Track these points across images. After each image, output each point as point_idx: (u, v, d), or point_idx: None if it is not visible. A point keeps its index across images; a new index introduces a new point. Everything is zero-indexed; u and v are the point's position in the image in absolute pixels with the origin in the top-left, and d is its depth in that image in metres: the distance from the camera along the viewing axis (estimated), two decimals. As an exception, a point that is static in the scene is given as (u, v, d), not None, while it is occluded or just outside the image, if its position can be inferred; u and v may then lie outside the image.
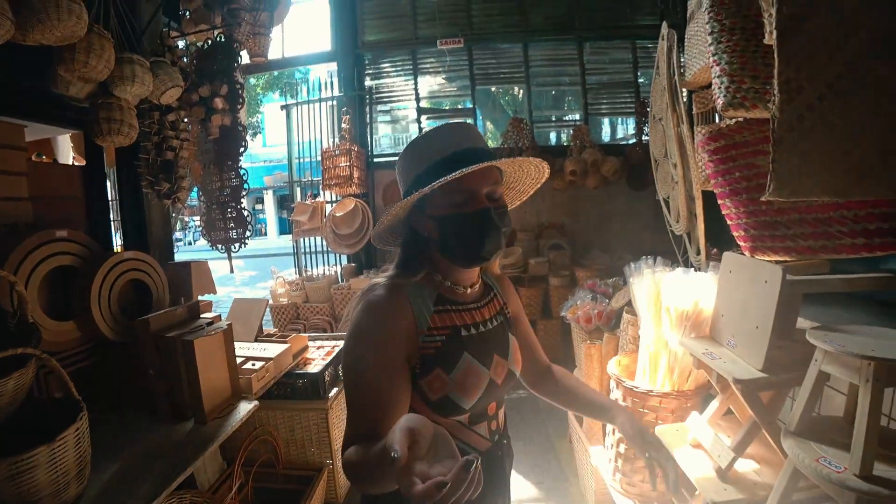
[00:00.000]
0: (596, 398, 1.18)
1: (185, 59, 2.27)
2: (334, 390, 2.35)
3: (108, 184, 2.39)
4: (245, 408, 1.82)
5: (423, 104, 4.59)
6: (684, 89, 1.80)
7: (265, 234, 20.84)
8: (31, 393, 1.29)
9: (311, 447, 2.38)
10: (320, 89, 4.49)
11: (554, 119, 5.09)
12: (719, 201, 1.33)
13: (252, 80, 10.78)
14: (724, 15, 1.28)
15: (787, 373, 1.16)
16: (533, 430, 3.09)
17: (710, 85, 1.44)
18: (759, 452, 1.36)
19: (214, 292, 2.24)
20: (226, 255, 2.39)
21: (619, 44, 4.39)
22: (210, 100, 2.20)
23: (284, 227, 19.23)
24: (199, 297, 2.21)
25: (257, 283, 10.09)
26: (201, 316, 1.96)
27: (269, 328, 3.43)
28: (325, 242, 4.33)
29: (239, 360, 2.04)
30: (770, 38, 1.02)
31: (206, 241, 2.48)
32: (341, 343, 2.59)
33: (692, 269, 1.64)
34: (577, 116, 4.65)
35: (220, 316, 2.04)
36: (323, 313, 4.05)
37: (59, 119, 1.93)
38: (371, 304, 0.86)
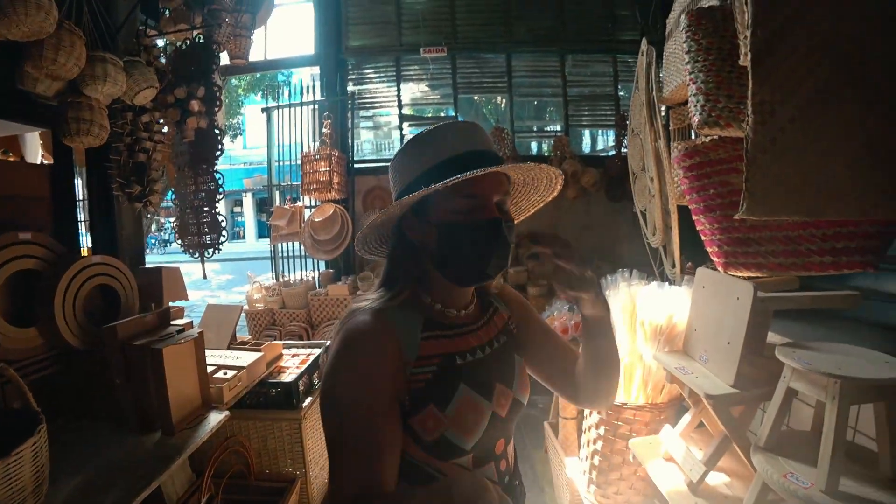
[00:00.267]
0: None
1: (163, 59, 2.22)
2: (308, 400, 2.30)
3: (79, 184, 2.32)
4: (215, 418, 1.77)
5: (406, 111, 4.58)
6: (662, 105, 1.84)
7: (243, 237, 20.51)
8: (-15, 404, 1.23)
9: (285, 458, 2.32)
10: (302, 93, 4.44)
11: (535, 129, 5.15)
12: (694, 217, 1.35)
13: (234, 81, 10.63)
14: (701, 35, 1.31)
15: (757, 388, 1.18)
16: (510, 440, 3.07)
17: (686, 102, 1.47)
18: (729, 466, 1.38)
19: (186, 299, 2.18)
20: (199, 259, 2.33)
21: (600, 57, 4.47)
22: (186, 101, 2.15)
23: (263, 231, 18.94)
24: (171, 304, 2.15)
25: (234, 287, 9.90)
26: (172, 323, 1.90)
27: (243, 335, 3.36)
28: (302, 248, 4.27)
29: (210, 369, 1.99)
30: (745, 59, 1.04)
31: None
32: (317, 351, 2.55)
33: (667, 282, 1.67)
34: (558, 127, 4.70)
35: (191, 323, 1.98)
36: (299, 320, 3.98)
37: (25, 116, 1.85)
38: (352, 335, 0.75)
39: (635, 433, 1.61)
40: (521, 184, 0.90)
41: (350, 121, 4.46)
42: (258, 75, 9.63)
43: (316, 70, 4.65)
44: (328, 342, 2.73)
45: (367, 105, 4.62)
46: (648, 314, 1.49)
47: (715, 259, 1.29)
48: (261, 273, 4.78)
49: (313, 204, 4.38)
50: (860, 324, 1.76)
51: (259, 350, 2.25)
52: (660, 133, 1.74)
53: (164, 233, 17.92)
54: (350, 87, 4.56)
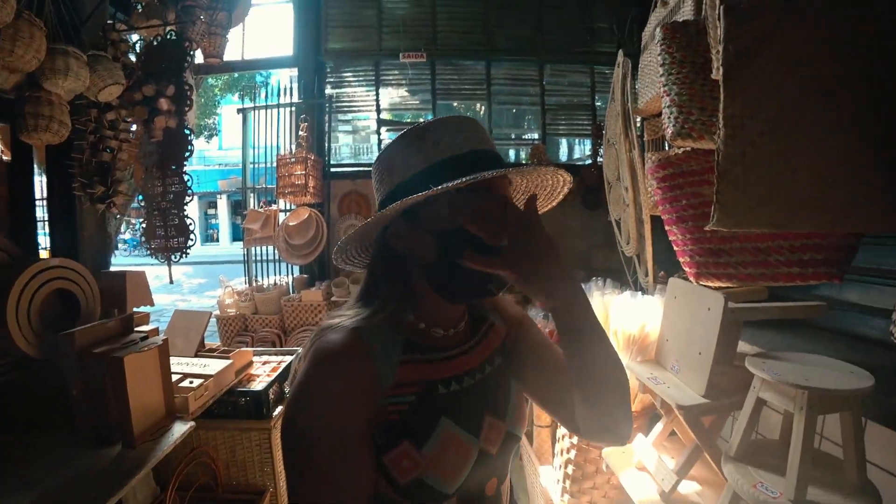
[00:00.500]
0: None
1: (132, 56, 2.14)
2: (279, 408, 2.24)
3: (40, 182, 2.21)
4: (180, 429, 1.70)
5: (384, 116, 4.55)
6: (637, 116, 1.86)
7: (217, 239, 20.06)
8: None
9: (254, 469, 2.25)
10: (279, 94, 4.37)
11: (513, 137, 5.17)
12: (666, 227, 1.37)
13: (210, 81, 10.41)
14: (675, 48, 1.33)
15: (727, 397, 1.19)
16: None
17: (661, 114, 1.49)
18: (701, 474, 1.40)
19: (151, 304, 2.10)
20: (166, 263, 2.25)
21: (578, 68, 4.54)
22: (155, 100, 2.08)
23: (238, 234, 18.57)
24: (136, 309, 2.07)
25: (206, 291, 9.66)
26: (136, 329, 1.83)
27: (213, 342, 3.27)
28: (276, 252, 4.19)
29: (176, 378, 1.91)
30: (717, 73, 1.06)
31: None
32: (289, 358, 2.49)
33: (641, 290, 1.68)
34: (536, 136, 4.75)
35: (157, 329, 1.91)
36: (272, 325, 3.89)
37: (-21, 110, 1.76)
38: (321, 356, 0.65)
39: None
40: (523, 191, 0.81)
41: (327, 124, 4.41)
42: (236, 75, 9.46)
43: (294, 72, 4.59)
44: (300, 349, 2.68)
45: (346, 109, 4.58)
46: (622, 323, 1.50)
47: (687, 269, 1.30)
48: (234, 277, 4.66)
49: (288, 207, 4.31)
50: (826, 332, 1.81)
51: (228, 357, 2.19)
52: (634, 144, 1.77)
53: (136, 234, 17.42)
54: (328, 90, 4.51)
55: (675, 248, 1.34)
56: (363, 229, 0.71)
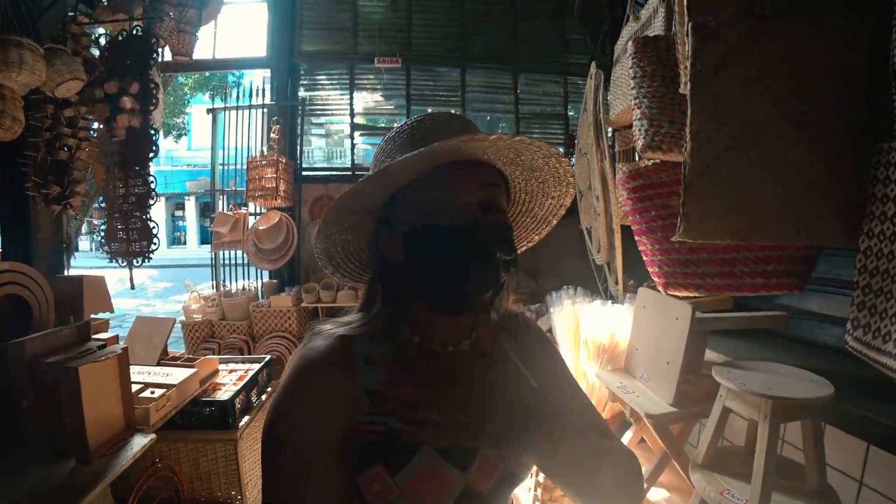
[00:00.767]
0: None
1: (94, 50, 2.06)
2: (245, 418, 2.17)
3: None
4: (140, 442, 1.63)
5: (358, 120, 4.52)
6: (609, 127, 1.90)
7: (184, 242, 19.47)
8: None
9: (219, 481, 2.17)
10: (251, 95, 4.28)
11: (488, 144, 5.22)
12: (636, 237, 1.39)
13: (180, 79, 10.11)
14: (646, 62, 1.36)
15: (695, 406, 1.21)
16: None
17: (632, 125, 1.52)
18: (670, 481, 1.42)
19: (111, 310, 2.01)
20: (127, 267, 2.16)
21: (552, 78, 4.61)
22: (117, 97, 2.00)
23: (206, 236, 18.09)
24: (93, 316, 1.98)
25: (172, 295, 9.35)
26: (94, 337, 1.75)
27: (178, 349, 3.15)
28: (245, 256, 4.08)
29: (136, 388, 1.83)
30: (684, 88, 1.08)
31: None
32: (256, 366, 2.42)
33: (611, 299, 1.71)
34: (510, 143, 4.78)
35: (116, 337, 1.83)
36: (240, 332, 3.79)
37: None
38: (303, 362, 0.62)
39: (580, 449, 1.63)
40: (525, 191, 0.72)
41: (300, 127, 4.35)
42: (207, 74, 9.23)
43: (267, 73, 4.50)
44: (268, 356, 2.61)
45: (319, 112, 4.52)
46: (592, 332, 1.52)
47: (656, 279, 1.33)
48: (202, 281, 4.52)
49: (258, 211, 4.22)
50: (788, 341, 1.87)
51: (192, 366, 2.11)
52: (606, 154, 1.80)
53: (98, 235, 16.76)
54: (302, 93, 4.45)
55: (645, 257, 1.36)
56: (325, 238, 0.66)
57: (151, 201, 2.10)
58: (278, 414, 0.60)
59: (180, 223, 20.07)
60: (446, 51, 4.44)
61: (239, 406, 2.16)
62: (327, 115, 4.56)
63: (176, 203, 19.49)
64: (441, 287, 0.61)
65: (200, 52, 3.59)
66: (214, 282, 4.38)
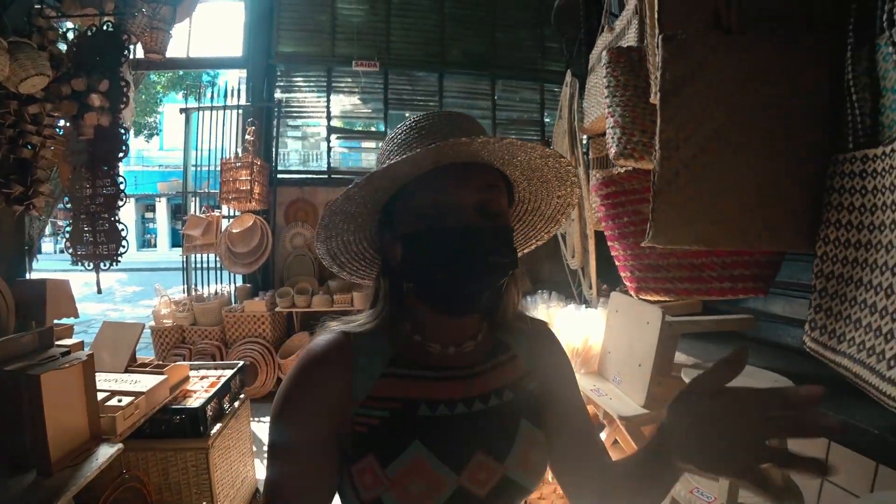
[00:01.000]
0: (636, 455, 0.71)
1: (62, 45, 1.99)
2: (217, 426, 2.12)
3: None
4: (106, 452, 1.57)
5: (335, 123, 4.49)
6: (583, 134, 1.94)
7: (154, 245, 18.93)
8: None
9: (189, 491, 2.11)
10: (226, 96, 4.21)
11: (466, 149, 5.26)
12: (609, 243, 1.42)
13: (153, 77, 9.86)
14: (619, 72, 1.40)
15: (665, 407, 1.25)
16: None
17: (605, 133, 1.56)
18: (640, 481, 1.45)
19: (76, 315, 1.94)
20: (94, 271, 2.09)
21: (528, 85, 4.68)
22: (86, 95, 1.94)
23: (177, 239, 17.63)
24: (57, 322, 1.91)
25: (141, 300, 9.06)
26: (57, 344, 1.68)
27: (147, 355, 3.06)
28: (218, 260, 4.01)
29: (102, 396, 1.77)
30: (655, 98, 1.12)
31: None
32: (229, 372, 2.37)
33: (585, 303, 1.74)
34: (488, 148, 4.84)
35: (81, 343, 1.77)
36: (212, 337, 3.71)
37: None
38: (305, 354, 0.65)
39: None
40: (525, 188, 0.71)
41: (276, 129, 4.30)
42: (180, 73, 9.03)
43: (243, 73, 4.44)
44: (241, 362, 2.56)
45: (295, 114, 4.48)
46: (566, 336, 1.54)
47: (627, 283, 1.36)
48: (172, 285, 4.41)
49: (232, 214, 4.15)
50: (754, 342, 1.94)
51: (162, 373, 2.05)
52: (580, 161, 1.83)
53: (62, 238, 16.17)
54: (278, 95, 4.40)
55: (617, 262, 1.40)
56: (326, 238, 0.66)
57: (120, 203, 2.04)
58: (281, 401, 0.64)
59: (151, 225, 19.51)
60: (425, 55, 4.46)
61: (211, 413, 2.11)
62: (304, 117, 4.53)
63: (146, 205, 18.95)
64: (437, 289, 0.61)
65: (174, 50, 3.52)
66: (186, 286, 4.28)
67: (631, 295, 1.36)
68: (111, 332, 2.29)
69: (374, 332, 0.65)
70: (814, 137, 1.07)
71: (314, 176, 4.55)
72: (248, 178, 3.69)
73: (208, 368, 2.50)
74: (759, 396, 0.45)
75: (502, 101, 4.66)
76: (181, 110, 4.34)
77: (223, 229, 3.88)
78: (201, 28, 5.62)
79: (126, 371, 2.15)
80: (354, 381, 0.62)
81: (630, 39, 1.56)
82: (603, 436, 1.49)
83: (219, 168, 3.88)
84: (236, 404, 2.34)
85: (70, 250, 2.10)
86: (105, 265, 2.06)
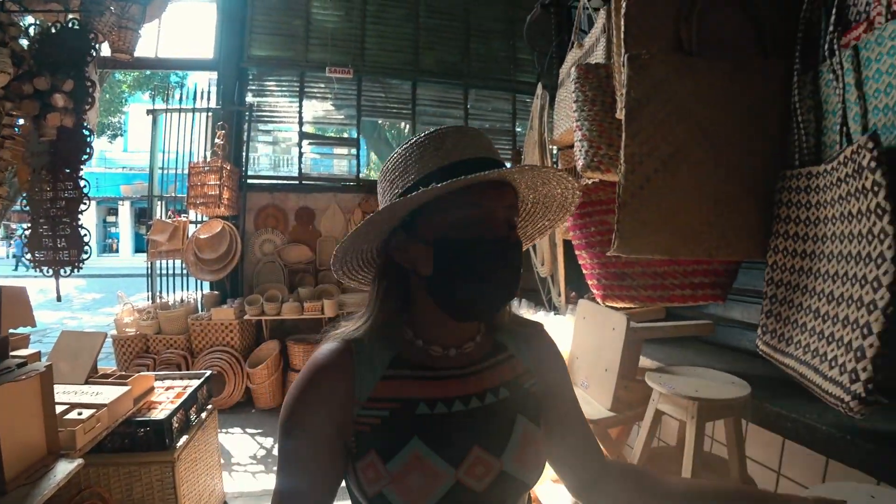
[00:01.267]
0: (690, 486, 0.78)
1: (24, 41, 1.92)
2: (184, 438, 2.06)
3: None
4: (64, 468, 1.51)
5: (307, 128, 4.46)
6: (553, 146, 1.99)
7: (116, 250, 18.24)
8: None
9: (153, 506, 2.04)
10: (195, 98, 4.13)
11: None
12: (576, 252, 1.47)
13: (118, 76, 9.53)
14: (587, 87, 1.45)
15: (631, 410, 1.29)
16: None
17: (574, 145, 1.61)
18: (608, 483, 1.49)
19: (32, 324, 1.86)
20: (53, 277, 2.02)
21: (501, 95, 4.76)
22: (48, 94, 1.88)
23: (141, 244, 17.03)
24: (12, 331, 1.82)
25: (102, 307, 8.70)
26: (12, 354, 1.61)
27: (108, 365, 2.95)
28: (185, 266, 3.91)
29: (61, 409, 1.70)
30: (620, 114, 1.17)
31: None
32: (195, 382, 2.31)
33: (554, 310, 1.78)
34: (460, 157, 4.89)
35: (38, 354, 1.69)
36: (177, 346, 3.60)
37: None
38: (310, 363, 0.69)
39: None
40: (532, 202, 0.77)
41: (247, 133, 4.24)
42: (148, 73, 8.76)
43: (213, 76, 4.36)
44: (208, 372, 2.50)
45: (267, 118, 4.43)
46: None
47: (594, 291, 1.41)
48: (135, 293, 4.27)
49: (200, 219, 4.05)
50: (714, 347, 2.03)
51: (125, 384, 1.99)
52: (551, 171, 1.88)
53: (12, 244, 15.37)
54: (249, 98, 4.34)
55: (585, 271, 1.44)
56: (355, 236, 0.67)
57: (83, 207, 1.97)
58: (288, 410, 0.67)
59: (113, 230, 18.80)
60: (399, 63, 4.48)
61: (176, 425, 2.05)
62: (275, 122, 4.48)
63: (109, 208, 18.26)
64: (469, 296, 0.65)
65: (143, 49, 3.44)
66: (150, 293, 4.15)
67: (598, 302, 1.41)
68: (71, 341, 2.21)
69: (373, 336, 0.69)
70: (766, 154, 1.14)
71: (285, 182, 4.50)
72: (218, 182, 3.63)
73: (174, 378, 2.44)
74: None
75: (475, 111, 4.72)
76: (148, 111, 4.23)
77: (190, 235, 3.79)
78: (171, 28, 5.50)
79: (87, 382, 2.07)
80: (357, 384, 0.66)
81: (598, 56, 1.62)
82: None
83: (187, 172, 3.79)
84: (203, 415, 2.28)
85: (28, 255, 2.01)
86: (66, 271, 1.98)
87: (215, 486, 2.42)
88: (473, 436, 0.66)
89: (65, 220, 1.98)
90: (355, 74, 4.33)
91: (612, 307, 1.37)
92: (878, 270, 0.78)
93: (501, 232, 0.64)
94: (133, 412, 1.97)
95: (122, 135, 13.67)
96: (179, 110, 4.14)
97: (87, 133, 2.02)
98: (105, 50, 2.88)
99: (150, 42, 4.19)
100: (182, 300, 4.02)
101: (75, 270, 1.99)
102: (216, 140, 3.86)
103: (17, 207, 2.97)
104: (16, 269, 14.35)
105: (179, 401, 2.12)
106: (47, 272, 2.01)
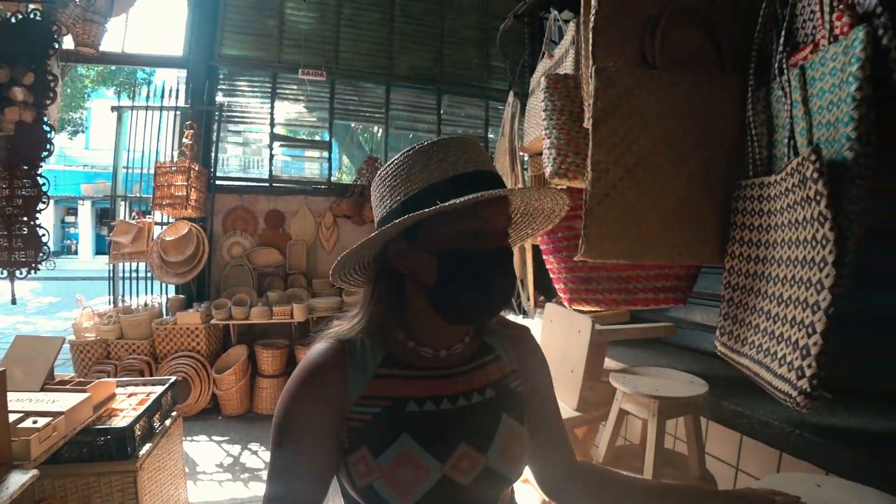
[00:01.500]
0: (643, 483, 0.87)
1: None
2: (147, 446, 2.00)
3: None
4: (17, 480, 1.44)
5: (279, 130, 4.40)
6: (523, 153, 2.04)
7: (75, 252, 17.47)
8: None
9: (113, 518, 1.97)
10: (163, 95, 4.01)
11: (412, 161, 5.30)
12: (544, 257, 1.51)
13: (81, 70, 9.16)
14: (556, 97, 1.50)
15: (597, 409, 1.33)
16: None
17: (542, 153, 1.65)
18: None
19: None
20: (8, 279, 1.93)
21: (474, 101, 4.81)
22: (7, 88, 1.80)
23: (102, 246, 16.37)
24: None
25: (59, 311, 8.32)
26: (-40, 360, 1.54)
27: (66, 371, 2.83)
28: (149, 269, 3.79)
29: (15, 417, 1.62)
30: (587, 123, 1.21)
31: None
32: (159, 388, 2.25)
33: (523, 314, 1.82)
34: (433, 162, 4.91)
35: (-10, 359, 1.62)
36: (140, 352, 3.48)
37: None
38: (304, 362, 0.72)
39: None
40: (521, 213, 0.82)
41: (216, 133, 4.15)
42: (112, 68, 8.47)
43: (183, 73, 4.25)
44: (173, 378, 2.42)
45: (237, 119, 4.34)
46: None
47: (561, 295, 1.45)
48: (96, 296, 4.11)
49: (166, 220, 3.94)
50: (676, 348, 2.11)
51: (84, 390, 1.91)
52: (520, 178, 1.93)
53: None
54: (219, 98, 4.25)
55: (552, 275, 1.48)
56: (363, 247, 0.70)
57: (42, 206, 1.89)
58: (283, 408, 0.70)
59: (72, 230, 18.00)
60: (372, 67, 4.48)
61: (139, 433, 1.99)
62: (246, 122, 4.40)
63: (68, 207, 17.48)
64: (472, 302, 0.68)
65: (108, 44, 3.33)
66: (112, 296, 4.00)
67: (565, 305, 1.45)
68: (25, 346, 2.11)
69: (366, 337, 0.73)
70: (723, 165, 1.20)
71: (255, 184, 4.42)
72: (185, 183, 3.53)
73: (137, 385, 2.36)
74: None
75: (448, 116, 4.75)
76: (113, 108, 4.08)
77: (155, 236, 3.68)
78: (140, 23, 5.35)
79: (43, 389, 1.98)
80: (349, 382, 0.70)
81: (567, 67, 1.68)
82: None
83: (152, 171, 3.69)
84: (168, 422, 2.22)
85: (-20, 257, 1.92)
86: (21, 273, 1.90)
87: (179, 496, 2.35)
88: (460, 433, 0.70)
89: (22, 220, 1.91)
90: (328, 77, 4.30)
91: (578, 310, 1.41)
92: (821, 273, 0.84)
93: (500, 242, 0.69)
94: (93, 420, 1.90)
95: (83, 131, 13.15)
96: (146, 108, 4.02)
97: (47, 129, 1.95)
98: (68, 43, 2.79)
99: (117, 36, 4.07)
100: (146, 304, 3.89)
101: (32, 272, 1.91)
102: (184, 140, 3.77)
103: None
104: None
105: (142, 408, 2.06)
106: (1, 274, 1.92)
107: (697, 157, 1.20)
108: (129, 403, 2.12)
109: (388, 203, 0.70)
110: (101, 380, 2.09)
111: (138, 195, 4.12)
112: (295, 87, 4.38)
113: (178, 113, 4.06)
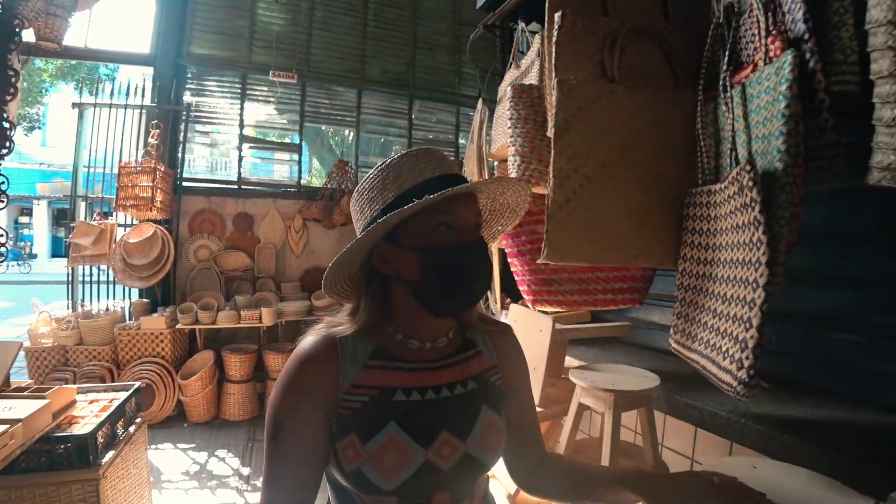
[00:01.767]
0: (598, 470, 0.94)
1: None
2: (109, 454, 1.95)
3: None
4: (-31, 487, 1.40)
5: (248, 132, 4.35)
6: (491, 159, 2.10)
7: (31, 253, 16.64)
8: None
9: (71, 529, 1.91)
10: (128, 93, 3.91)
11: (382, 165, 5.33)
12: (509, 260, 1.57)
13: (38, 63, 8.75)
14: (521, 107, 1.56)
15: (558, 405, 1.40)
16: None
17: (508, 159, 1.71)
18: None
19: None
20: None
21: (445, 107, 4.88)
22: (-39, 87, 1.75)
23: (59, 248, 15.69)
24: None
25: (12, 317, 7.92)
26: None
27: (21, 378, 2.72)
28: (111, 272, 3.68)
29: (-34, 424, 1.57)
30: (550, 132, 1.27)
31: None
32: (123, 395, 2.20)
33: (491, 314, 1.87)
34: (404, 166, 4.95)
35: (-60, 365, 1.56)
36: (102, 358, 3.37)
37: None
38: (296, 352, 0.77)
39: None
40: (489, 211, 0.89)
41: (183, 134, 4.07)
42: (73, 63, 8.13)
43: (149, 71, 4.14)
44: (137, 384, 2.37)
45: (205, 119, 4.27)
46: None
47: (525, 296, 1.51)
48: (52, 300, 3.95)
49: (129, 222, 3.84)
50: (635, 347, 2.21)
51: (43, 397, 1.86)
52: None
53: None
54: (187, 98, 4.18)
55: (516, 277, 1.54)
56: (347, 256, 0.75)
57: (0, 205, 1.84)
58: (276, 393, 0.74)
59: (26, 232, 17.15)
60: (344, 71, 4.49)
61: (102, 440, 1.94)
62: (214, 123, 4.33)
63: (22, 207, 16.66)
64: (454, 290, 0.74)
65: (71, 38, 3.24)
66: (71, 301, 3.86)
67: (529, 306, 1.51)
68: (-22, 352, 2.03)
69: (356, 332, 0.77)
70: (676, 173, 1.28)
71: (223, 186, 4.35)
72: (150, 184, 3.46)
73: (99, 391, 2.30)
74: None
75: (419, 121, 4.80)
76: (74, 105, 3.95)
77: (118, 239, 3.58)
78: (105, 18, 5.18)
79: (-2, 396, 1.91)
80: (340, 371, 0.74)
81: (532, 78, 1.74)
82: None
83: (115, 171, 3.59)
84: (132, 429, 2.17)
85: (-70, 260, 1.85)
86: (-24, 277, 1.83)
87: (143, 504, 2.30)
88: (442, 421, 0.75)
89: (-24, 221, 1.84)
90: (299, 79, 4.29)
91: (542, 311, 1.47)
92: (756, 273, 0.91)
93: (473, 235, 0.76)
94: (52, 427, 1.84)
95: (40, 128, 12.56)
96: (110, 105, 3.91)
97: (7, 126, 1.89)
98: (29, 36, 2.70)
99: (81, 31, 3.94)
100: (107, 308, 3.77)
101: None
102: (150, 139, 3.69)
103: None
104: None
105: (105, 414, 2.01)
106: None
107: (653, 166, 1.27)
108: (90, 410, 2.06)
109: (368, 213, 0.76)
110: (62, 386, 2.03)
111: (100, 195, 4.00)
112: (265, 88, 4.34)
113: (143, 111, 3.96)
